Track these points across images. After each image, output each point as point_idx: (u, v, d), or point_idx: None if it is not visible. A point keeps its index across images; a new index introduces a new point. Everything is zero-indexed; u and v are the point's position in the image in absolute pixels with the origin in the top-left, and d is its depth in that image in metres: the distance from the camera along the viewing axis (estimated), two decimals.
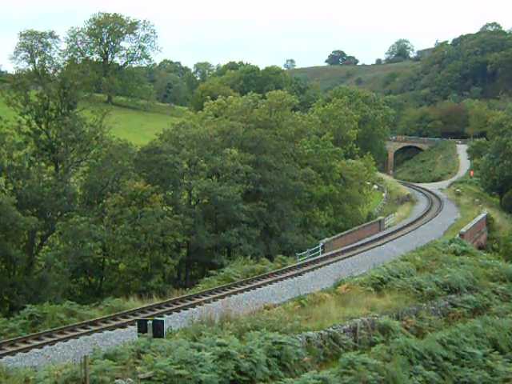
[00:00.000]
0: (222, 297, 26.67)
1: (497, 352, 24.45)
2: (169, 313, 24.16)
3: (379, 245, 42.57)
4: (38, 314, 24.12)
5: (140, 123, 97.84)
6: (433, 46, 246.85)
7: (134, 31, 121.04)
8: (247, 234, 45.69)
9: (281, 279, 30.73)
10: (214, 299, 26.23)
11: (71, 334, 21.36)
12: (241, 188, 46.42)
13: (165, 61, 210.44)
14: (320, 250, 41.88)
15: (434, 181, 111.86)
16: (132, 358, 16.14)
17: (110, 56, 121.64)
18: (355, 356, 19.29)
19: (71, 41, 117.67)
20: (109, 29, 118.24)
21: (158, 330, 18.99)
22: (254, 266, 34.23)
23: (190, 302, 25.68)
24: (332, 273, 32.16)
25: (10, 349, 19.59)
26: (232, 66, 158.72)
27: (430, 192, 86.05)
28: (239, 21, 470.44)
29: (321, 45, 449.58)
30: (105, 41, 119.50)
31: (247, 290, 28.24)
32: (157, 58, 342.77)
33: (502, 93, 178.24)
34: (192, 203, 46.44)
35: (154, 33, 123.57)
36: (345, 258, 37.23)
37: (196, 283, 34.33)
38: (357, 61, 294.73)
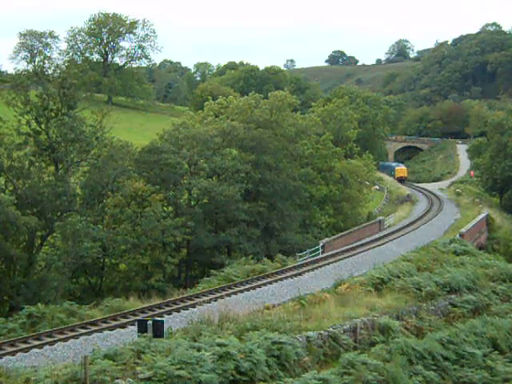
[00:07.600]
0: (222, 297, 26.65)
1: (497, 352, 24.44)
2: (169, 313, 24.14)
3: (379, 245, 42.53)
4: (37, 314, 24.11)
5: (140, 123, 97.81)
6: (433, 46, 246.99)
7: (134, 31, 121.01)
8: (247, 233, 45.70)
9: (281, 279, 30.68)
10: (214, 299, 26.19)
11: (71, 333, 21.34)
12: (241, 188, 46.43)
13: (165, 61, 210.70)
14: (320, 250, 41.87)
15: (434, 181, 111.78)
16: (132, 358, 16.14)
17: (109, 56, 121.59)
18: (355, 356, 19.29)
19: (71, 41, 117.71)
20: (108, 29, 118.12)
21: (158, 330, 18.99)
22: (255, 266, 34.17)
23: (189, 302, 25.66)
24: (332, 273, 32.12)
25: (10, 349, 19.56)
26: (232, 66, 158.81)
27: (430, 192, 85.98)
28: (239, 21, 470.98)
29: (321, 45, 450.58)
30: (105, 41, 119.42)
31: (247, 290, 28.21)
32: (157, 58, 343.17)
33: (502, 93, 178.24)
34: (192, 203, 46.44)
35: (154, 32, 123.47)
36: (345, 257, 37.19)
37: (196, 283, 34.32)
38: (357, 61, 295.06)
